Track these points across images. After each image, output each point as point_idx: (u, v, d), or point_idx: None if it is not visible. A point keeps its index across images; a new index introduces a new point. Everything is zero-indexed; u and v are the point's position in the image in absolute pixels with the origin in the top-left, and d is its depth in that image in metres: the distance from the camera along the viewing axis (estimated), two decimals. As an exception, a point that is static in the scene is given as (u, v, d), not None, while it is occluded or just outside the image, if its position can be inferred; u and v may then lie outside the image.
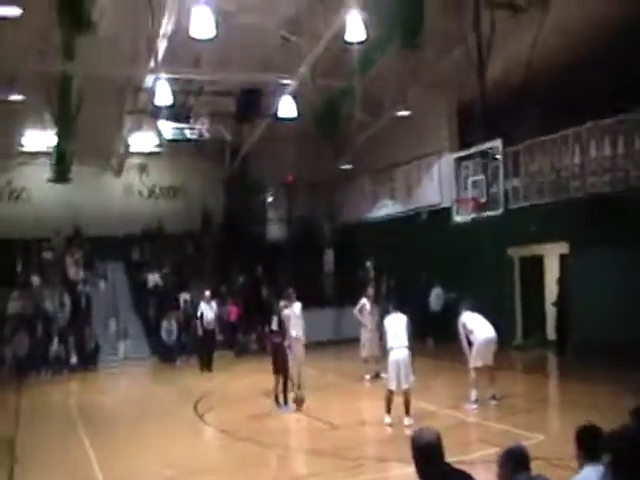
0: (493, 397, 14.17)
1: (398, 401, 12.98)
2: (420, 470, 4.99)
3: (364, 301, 18.40)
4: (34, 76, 20.49)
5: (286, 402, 15.23)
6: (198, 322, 22.24)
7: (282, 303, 16.89)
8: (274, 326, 15.89)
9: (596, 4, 17.71)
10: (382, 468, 10.86)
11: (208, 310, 22.26)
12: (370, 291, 18.78)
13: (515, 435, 10.82)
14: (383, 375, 15.52)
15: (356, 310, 18.53)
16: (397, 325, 13.22)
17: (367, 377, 18.14)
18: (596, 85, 17.90)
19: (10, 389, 19.92)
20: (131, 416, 16.42)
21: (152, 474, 10.92)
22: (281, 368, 15.34)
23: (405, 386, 12.87)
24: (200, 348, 22.70)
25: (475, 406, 13.88)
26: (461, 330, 14.23)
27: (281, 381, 15.32)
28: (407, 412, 12.80)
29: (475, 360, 14.03)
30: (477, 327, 14.16)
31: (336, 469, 10.56)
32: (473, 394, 13.99)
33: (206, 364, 21.95)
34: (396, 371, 12.92)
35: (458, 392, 14.96)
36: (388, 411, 13.01)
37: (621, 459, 4.41)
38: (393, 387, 12.98)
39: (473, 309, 14.52)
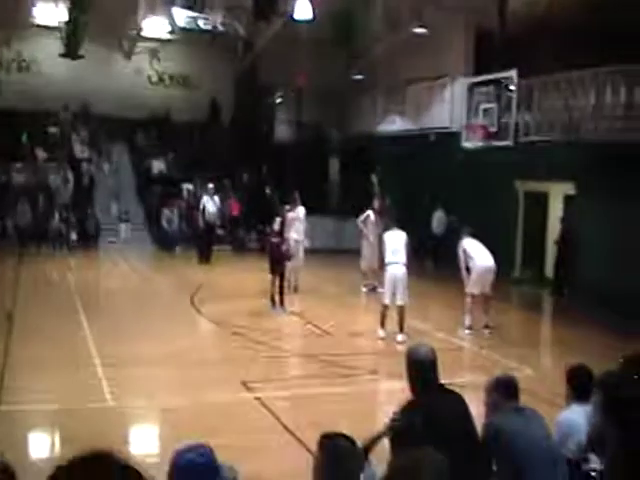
0: (487, 326, 14.17)
1: (393, 317, 13.24)
2: (413, 385, 5.20)
3: (369, 213, 18.28)
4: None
5: (282, 304, 15.47)
6: (200, 214, 22.43)
7: (287, 207, 17.05)
8: (276, 227, 15.92)
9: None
10: (373, 380, 11.14)
11: (211, 203, 22.43)
12: (376, 204, 18.63)
13: (505, 366, 11.06)
14: (379, 289, 15.74)
15: (360, 220, 18.41)
16: (396, 241, 13.38)
17: (364, 289, 18.27)
18: (620, 28, 17.57)
19: (11, 261, 20.10)
20: (129, 300, 16.79)
21: (146, 358, 11.18)
22: (277, 269, 15.51)
23: (400, 302, 13.11)
24: (200, 240, 22.89)
25: (468, 332, 14.03)
26: (461, 255, 14.23)
27: (277, 282, 15.50)
28: (401, 329, 13.04)
29: (472, 287, 14.07)
30: (477, 254, 14.14)
31: (327, 375, 10.88)
32: (467, 320, 14.12)
33: (205, 256, 22.16)
34: (392, 286, 13.15)
35: (453, 317, 15.04)
36: (382, 325, 13.26)
37: (612, 401, 4.66)
38: (388, 301, 13.23)
39: (474, 236, 14.48)
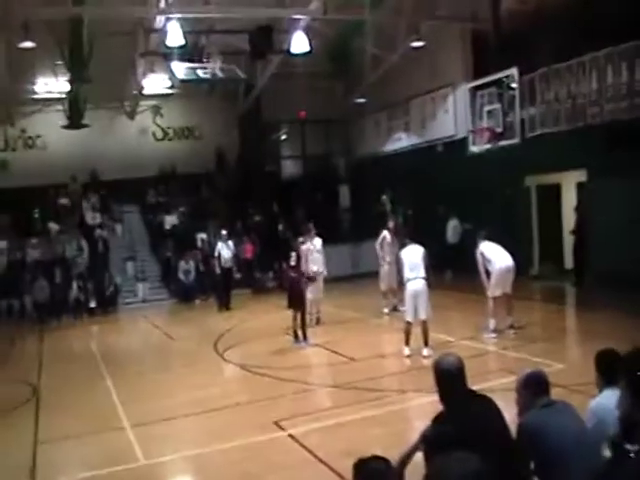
0: (511, 326, 14.19)
1: (417, 333, 13.10)
2: (443, 395, 5.04)
3: (385, 233, 18.21)
4: (45, 22, 20.28)
5: (305, 337, 15.29)
6: (216, 261, 22.37)
7: (300, 239, 16.84)
8: (292, 262, 15.73)
9: None
10: (402, 399, 10.91)
11: (225, 249, 22.35)
12: (391, 224, 18.56)
13: (534, 363, 10.74)
14: (401, 308, 15.70)
15: (377, 243, 18.33)
16: (413, 257, 13.22)
17: (385, 310, 18.15)
18: (614, 10, 17.45)
19: (32, 336, 20.07)
20: (152, 357, 16.70)
21: (175, 412, 11.02)
22: (297, 303, 15.33)
23: (423, 317, 12.98)
24: (218, 287, 22.93)
25: (494, 335, 13.95)
26: (479, 260, 14.19)
27: (299, 316, 15.32)
28: (426, 343, 12.92)
29: (493, 289, 14.02)
30: (495, 256, 14.08)
31: (357, 401, 10.63)
32: (492, 324, 14.06)
33: (224, 303, 22.17)
34: (413, 302, 13.03)
35: (476, 322, 15.04)
36: (407, 343, 13.13)
37: (636, 383, 4.34)
38: (410, 318, 13.09)
39: (491, 239, 14.42)
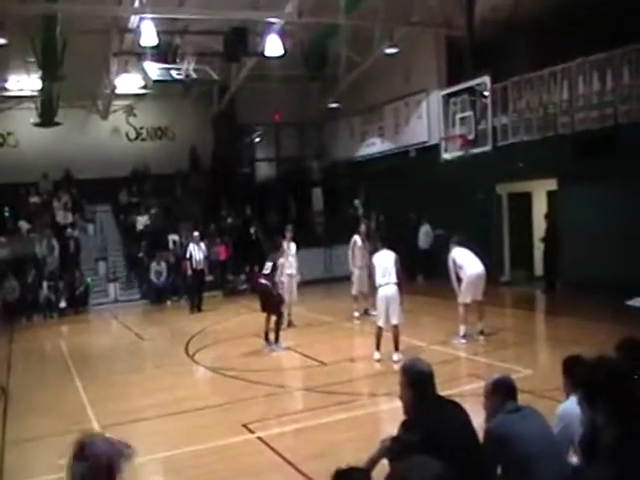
0: (482, 332, 14.27)
1: (387, 337, 13.11)
2: (410, 400, 5.04)
3: (356, 237, 18.23)
4: (17, 19, 20.12)
5: (277, 340, 15.20)
6: (187, 263, 22.29)
7: (277, 253, 16.58)
8: (266, 271, 15.44)
9: None
10: (372, 403, 11.02)
11: (197, 251, 22.28)
12: (362, 227, 18.57)
13: (504, 369, 10.81)
14: (372, 312, 15.69)
15: (350, 251, 18.38)
16: (385, 262, 13.19)
17: (356, 314, 18.18)
18: (585, 20, 17.62)
19: (1, 336, 19.79)
20: (122, 358, 16.57)
21: (144, 413, 10.98)
22: (270, 309, 15.19)
23: (394, 322, 12.95)
24: (190, 289, 22.90)
25: (464, 341, 14.02)
26: (451, 266, 14.26)
27: (273, 320, 15.21)
28: (396, 348, 12.93)
29: (464, 296, 14.11)
30: (467, 263, 14.15)
31: (327, 405, 10.63)
32: (462, 329, 14.12)
33: (196, 305, 22.12)
34: (385, 307, 13.02)
35: (447, 328, 15.13)
36: (377, 347, 13.13)
37: (598, 390, 4.38)
38: (382, 323, 13.10)
39: (462, 245, 14.46)
